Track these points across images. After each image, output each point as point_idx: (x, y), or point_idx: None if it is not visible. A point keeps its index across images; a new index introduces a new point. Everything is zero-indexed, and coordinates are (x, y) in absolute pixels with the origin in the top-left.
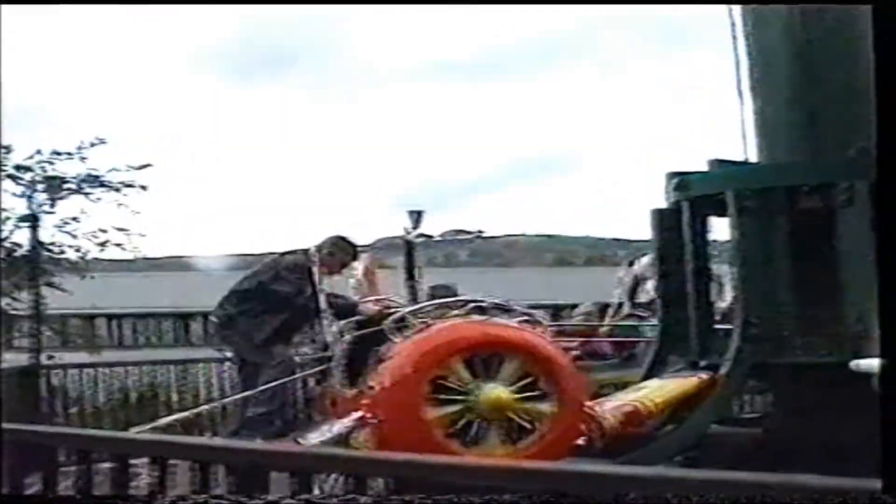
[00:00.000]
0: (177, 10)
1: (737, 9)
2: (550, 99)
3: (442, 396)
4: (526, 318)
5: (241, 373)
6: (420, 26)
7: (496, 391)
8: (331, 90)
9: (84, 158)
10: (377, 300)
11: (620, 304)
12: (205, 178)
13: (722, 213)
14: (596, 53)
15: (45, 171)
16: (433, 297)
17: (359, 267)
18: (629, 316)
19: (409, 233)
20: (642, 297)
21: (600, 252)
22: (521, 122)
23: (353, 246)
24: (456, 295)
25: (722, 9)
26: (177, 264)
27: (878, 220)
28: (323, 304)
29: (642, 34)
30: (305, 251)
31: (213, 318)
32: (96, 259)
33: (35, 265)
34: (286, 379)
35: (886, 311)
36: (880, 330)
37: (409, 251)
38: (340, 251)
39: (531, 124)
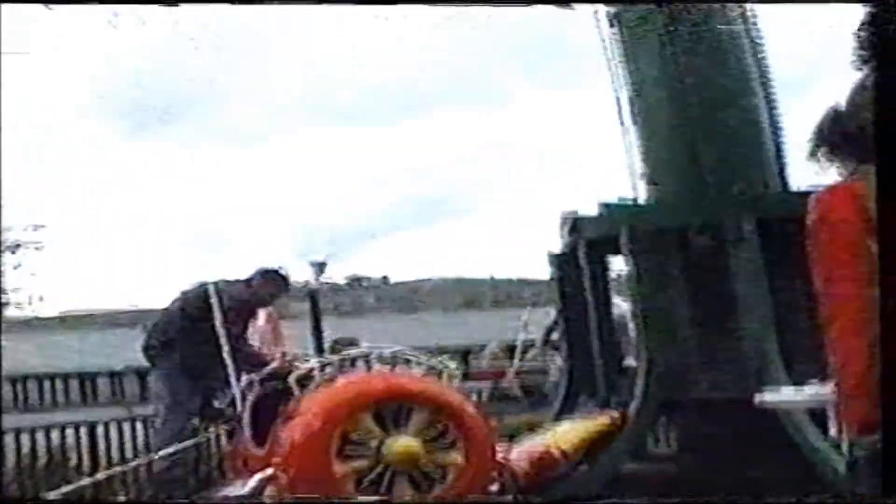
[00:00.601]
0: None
1: (614, 45)
2: (439, 139)
3: (351, 450)
4: (431, 367)
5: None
6: (296, 69)
7: (405, 442)
8: (218, 141)
9: None
10: (282, 353)
11: (527, 345)
12: (101, 231)
13: (616, 252)
14: (483, 91)
15: None
16: (335, 350)
17: (261, 317)
18: (536, 357)
19: (312, 283)
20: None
21: (505, 293)
22: (413, 165)
23: (284, 277)
24: (358, 346)
25: (599, 45)
26: (78, 322)
27: (880, 223)
28: (227, 354)
29: (527, 70)
30: (230, 282)
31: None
32: None
33: None
34: (192, 441)
35: (886, 309)
36: (881, 327)
37: (314, 302)
38: (270, 282)
39: (425, 166)
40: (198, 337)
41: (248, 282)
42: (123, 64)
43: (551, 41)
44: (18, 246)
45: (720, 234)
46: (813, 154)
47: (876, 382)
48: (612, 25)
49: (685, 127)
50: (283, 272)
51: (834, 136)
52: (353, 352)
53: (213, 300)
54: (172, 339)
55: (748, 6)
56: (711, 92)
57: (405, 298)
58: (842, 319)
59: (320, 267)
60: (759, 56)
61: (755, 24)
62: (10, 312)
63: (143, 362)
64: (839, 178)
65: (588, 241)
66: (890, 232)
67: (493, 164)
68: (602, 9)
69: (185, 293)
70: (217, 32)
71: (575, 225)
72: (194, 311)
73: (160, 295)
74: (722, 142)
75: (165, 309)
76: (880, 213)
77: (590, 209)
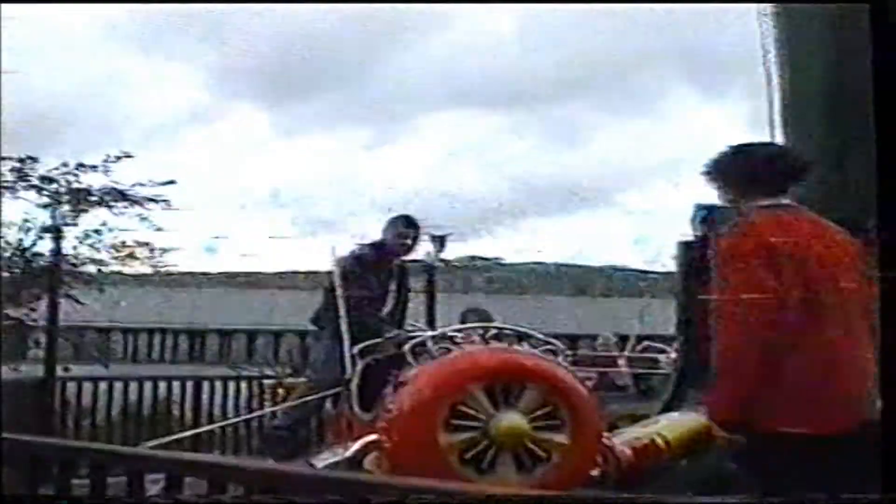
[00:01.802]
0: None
1: (770, 45)
2: (572, 130)
3: (458, 423)
4: (547, 346)
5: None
6: (451, 54)
7: (513, 420)
8: (356, 119)
9: (108, 171)
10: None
11: (640, 337)
12: (223, 195)
13: None
14: (625, 84)
15: (69, 184)
16: (465, 320)
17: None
18: (648, 348)
19: (431, 257)
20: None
21: (620, 283)
22: (544, 151)
23: (414, 223)
24: (489, 319)
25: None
26: (194, 281)
27: (879, 222)
28: (343, 322)
29: (675, 75)
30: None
31: None
32: (116, 273)
33: (54, 276)
34: (311, 397)
35: (886, 308)
36: (880, 326)
37: (430, 276)
38: (402, 229)
39: (548, 154)
40: (355, 300)
41: (382, 240)
42: (259, 43)
43: (702, 41)
44: (148, 199)
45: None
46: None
47: (745, 404)
48: (771, 25)
49: (836, 134)
50: (412, 218)
51: (718, 176)
52: (469, 325)
53: (361, 261)
54: (332, 304)
55: None
56: (866, 95)
57: (517, 280)
58: (728, 338)
59: (440, 241)
60: None
61: None
62: (133, 267)
63: (252, 324)
64: (742, 216)
65: (720, 233)
66: (890, 233)
67: (630, 162)
68: (760, 7)
69: (341, 258)
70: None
71: (709, 215)
72: (350, 274)
73: (274, 262)
74: (871, 148)
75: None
76: (880, 212)
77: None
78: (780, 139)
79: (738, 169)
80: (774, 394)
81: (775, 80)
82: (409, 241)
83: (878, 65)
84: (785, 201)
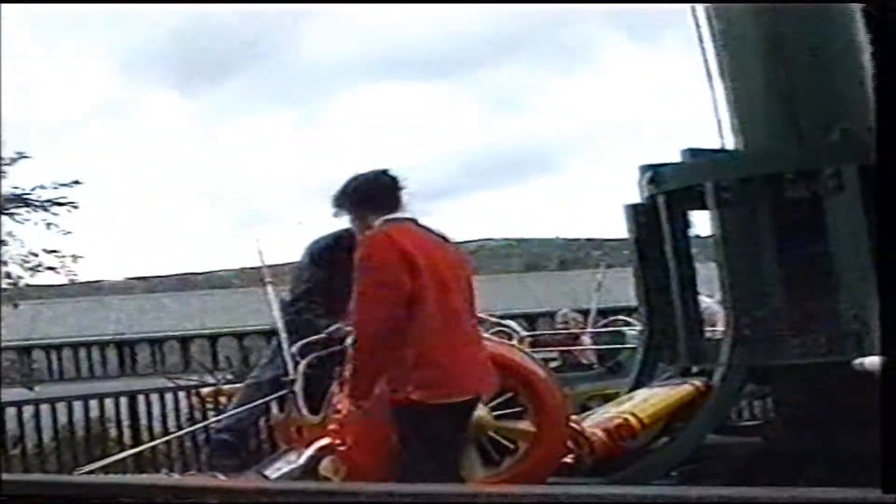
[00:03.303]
0: (111, 8)
1: None
2: (510, 95)
3: None
4: (500, 329)
5: None
6: (373, 22)
7: None
8: (268, 101)
9: (3, 176)
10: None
11: (601, 310)
12: (140, 192)
13: (701, 207)
14: (556, 48)
15: None
16: None
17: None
18: (612, 322)
19: None
20: None
21: (573, 254)
22: (476, 122)
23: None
24: None
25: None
26: (117, 287)
27: (877, 215)
28: (278, 319)
29: (605, 25)
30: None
31: None
32: (30, 286)
33: None
34: (254, 403)
35: (886, 306)
36: (880, 326)
37: None
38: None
39: (488, 124)
40: (296, 294)
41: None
42: (174, 25)
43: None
44: (51, 203)
45: (817, 184)
46: (335, 215)
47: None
48: None
49: (779, 69)
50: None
51: (341, 205)
52: None
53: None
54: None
55: None
56: (809, 30)
57: None
58: (361, 332)
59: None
60: None
61: None
62: (41, 277)
63: (186, 329)
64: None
65: (669, 193)
66: (889, 227)
67: (572, 123)
68: None
69: (309, 246)
70: None
71: (655, 174)
72: (322, 261)
73: (204, 262)
74: (819, 82)
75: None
76: (879, 211)
77: (671, 160)
78: (721, 89)
79: (355, 195)
80: (406, 370)
81: (705, 30)
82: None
83: (879, 65)
84: (403, 215)
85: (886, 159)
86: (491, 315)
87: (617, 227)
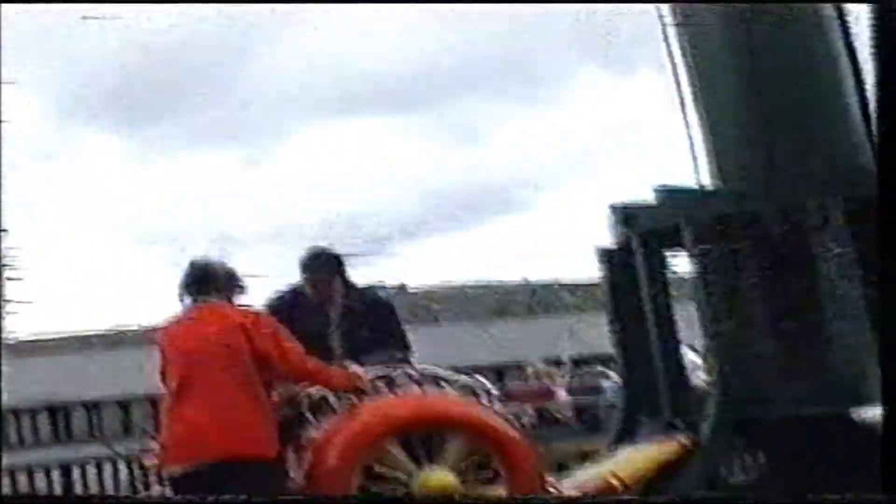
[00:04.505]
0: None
1: (670, 20)
2: (470, 128)
3: (376, 485)
4: (466, 384)
5: None
6: (319, 52)
7: (439, 476)
8: (216, 141)
9: None
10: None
11: (575, 360)
12: (82, 243)
13: (678, 246)
14: (523, 69)
15: None
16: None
17: None
18: (588, 373)
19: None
20: None
21: (542, 299)
22: (435, 157)
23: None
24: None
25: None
26: (47, 346)
27: (879, 225)
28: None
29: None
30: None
31: None
32: None
33: None
34: None
35: (886, 310)
36: (879, 332)
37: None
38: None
39: (447, 159)
40: None
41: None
42: (107, 60)
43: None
44: None
45: (800, 220)
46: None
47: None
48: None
49: (755, 101)
50: (317, 252)
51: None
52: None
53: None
54: None
55: None
56: (786, 61)
57: (425, 308)
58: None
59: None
60: (844, 21)
61: None
62: None
63: (124, 391)
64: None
65: (643, 233)
66: (890, 237)
67: (533, 158)
68: None
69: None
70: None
71: (627, 215)
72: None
73: (143, 314)
74: (797, 107)
75: None
76: (880, 215)
77: (644, 198)
78: (694, 118)
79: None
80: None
81: (678, 57)
82: (319, 282)
83: (879, 67)
84: (207, 300)
85: (887, 160)
86: (454, 369)
87: (588, 270)
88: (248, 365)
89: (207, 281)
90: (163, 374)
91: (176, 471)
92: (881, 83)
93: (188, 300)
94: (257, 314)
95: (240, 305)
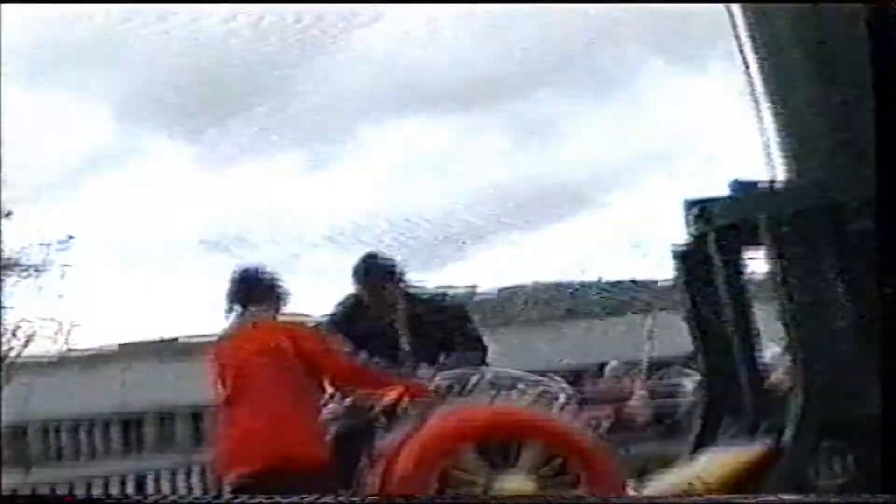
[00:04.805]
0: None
1: (740, 15)
2: (539, 127)
3: (453, 491)
4: (542, 388)
5: None
6: (382, 53)
7: (516, 482)
8: (283, 140)
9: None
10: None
11: (655, 361)
12: (141, 249)
13: (756, 242)
14: (591, 63)
15: None
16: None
17: None
18: (668, 373)
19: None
20: None
21: (620, 299)
22: (512, 154)
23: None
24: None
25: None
26: (118, 356)
27: (878, 224)
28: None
29: (642, 49)
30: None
31: None
32: (20, 358)
33: None
34: None
35: (887, 310)
36: (882, 330)
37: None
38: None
39: (518, 158)
40: None
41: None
42: (169, 64)
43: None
44: (40, 265)
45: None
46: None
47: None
48: None
49: (830, 84)
50: (373, 260)
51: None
52: (443, 377)
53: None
54: None
55: None
56: (859, 41)
57: (497, 309)
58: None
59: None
60: None
61: None
62: (35, 348)
63: (196, 400)
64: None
65: (719, 229)
66: (890, 236)
67: (612, 154)
68: None
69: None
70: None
71: (703, 211)
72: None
73: (214, 323)
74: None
75: None
76: (879, 216)
77: (719, 194)
78: (768, 112)
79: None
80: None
81: (748, 48)
82: (373, 290)
83: (877, 67)
84: (254, 311)
85: (887, 161)
86: (530, 372)
87: (663, 268)
88: (296, 374)
89: (251, 291)
90: (218, 385)
91: (231, 478)
92: (882, 83)
93: (237, 309)
94: (303, 324)
95: (286, 314)
